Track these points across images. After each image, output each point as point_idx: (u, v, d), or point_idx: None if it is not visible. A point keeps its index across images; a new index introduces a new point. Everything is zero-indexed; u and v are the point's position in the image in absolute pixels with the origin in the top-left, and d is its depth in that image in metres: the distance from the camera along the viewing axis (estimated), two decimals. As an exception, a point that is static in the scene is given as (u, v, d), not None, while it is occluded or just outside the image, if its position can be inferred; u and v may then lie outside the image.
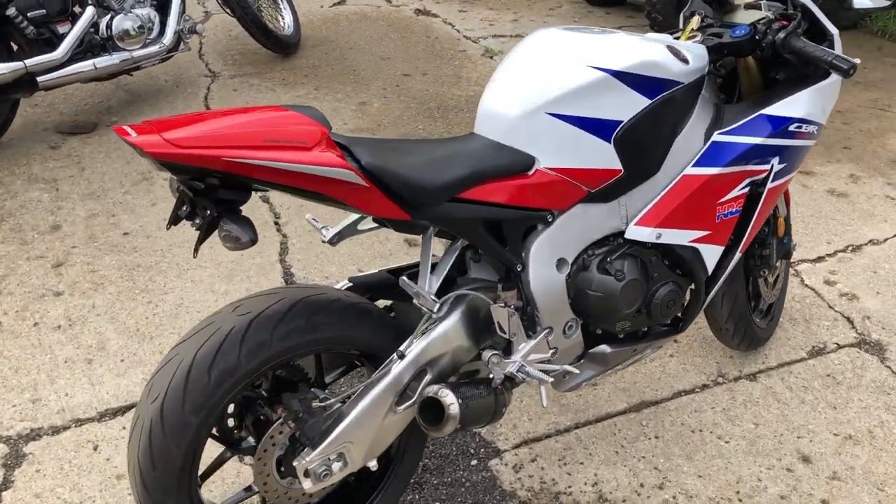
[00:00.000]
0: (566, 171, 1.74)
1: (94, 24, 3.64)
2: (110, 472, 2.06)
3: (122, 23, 3.69)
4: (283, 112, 1.47)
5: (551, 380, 1.78)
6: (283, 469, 1.66)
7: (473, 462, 2.15)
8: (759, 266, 2.31)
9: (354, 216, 1.89)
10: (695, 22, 2.09)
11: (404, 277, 1.63)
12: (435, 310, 1.63)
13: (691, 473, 2.13)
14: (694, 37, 2.04)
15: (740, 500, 2.06)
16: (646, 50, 1.76)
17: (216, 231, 1.50)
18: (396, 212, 1.55)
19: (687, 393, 2.40)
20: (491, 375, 1.74)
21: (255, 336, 1.53)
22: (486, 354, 1.73)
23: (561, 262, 1.80)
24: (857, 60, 1.89)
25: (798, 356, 2.56)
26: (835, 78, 2.04)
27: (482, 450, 2.19)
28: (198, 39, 4.74)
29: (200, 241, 1.52)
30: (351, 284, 1.85)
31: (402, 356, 1.64)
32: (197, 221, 1.48)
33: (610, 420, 2.29)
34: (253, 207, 3.18)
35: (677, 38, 2.05)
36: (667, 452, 2.19)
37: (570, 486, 2.08)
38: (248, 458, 2.00)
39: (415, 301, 1.63)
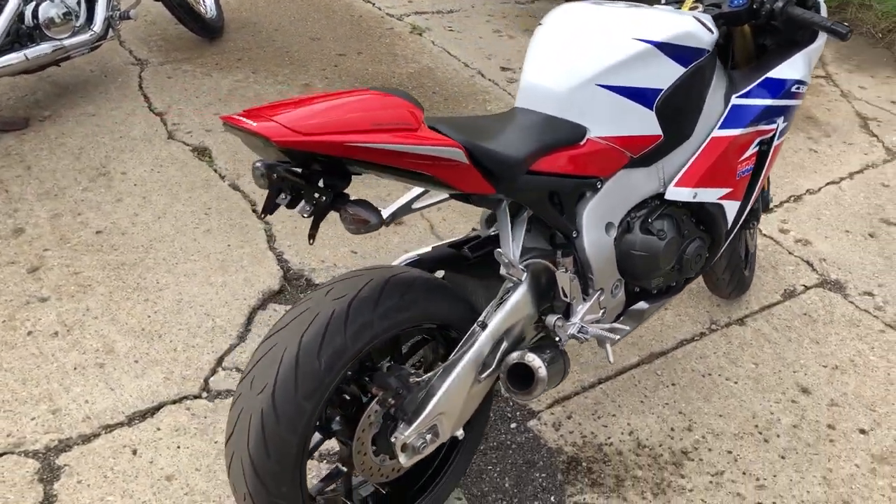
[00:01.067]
0: (614, 139, 1.84)
1: (20, 14, 3.41)
2: (157, 474, 2.01)
3: (48, 10, 3.47)
4: (381, 95, 1.48)
5: (617, 338, 1.89)
6: (376, 446, 1.69)
7: (513, 425, 2.23)
8: (750, 218, 2.50)
9: (409, 196, 1.92)
10: (695, -9, 2.21)
11: (499, 249, 1.68)
12: (523, 278, 1.70)
13: (712, 414, 2.30)
14: (695, 7, 2.17)
15: (760, 433, 2.25)
16: (681, 21, 1.87)
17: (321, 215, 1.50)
18: (485, 186, 1.60)
19: (688, 342, 2.58)
20: (557, 338, 1.83)
21: (358, 317, 1.54)
22: (551, 319, 1.81)
23: (609, 226, 1.90)
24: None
25: (775, 299, 2.80)
26: (820, 42, 2.22)
27: (518, 413, 2.27)
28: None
29: (316, 226, 1.52)
30: (411, 260, 1.88)
31: (484, 326, 1.70)
32: (307, 208, 1.48)
33: (628, 373, 2.43)
34: (225, 196, 3.10)
35: (679, 9, 2.17)
36: (686, 397, 2.35)
37: (609, 437, 2.20)
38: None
39: (503, 271, 1.68)
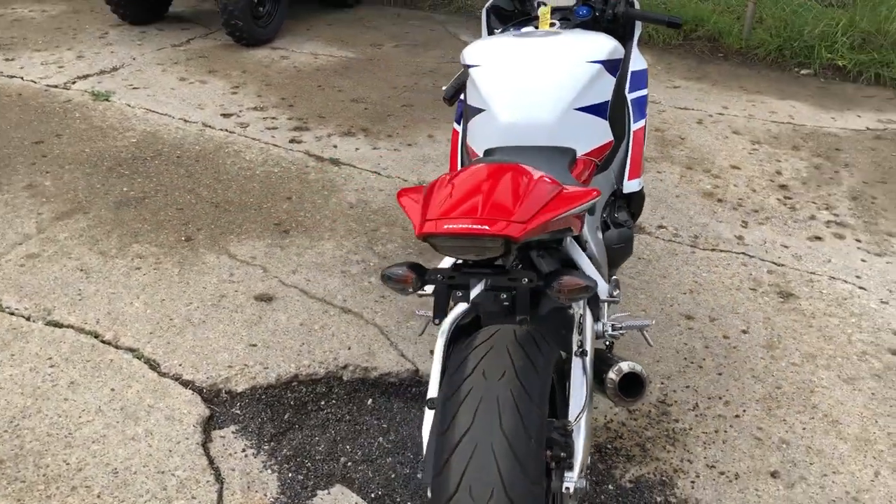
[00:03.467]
0: (591, 152, 2.01)
1: None
2: None
3: None
4: (509, 166, 1.47)
5: (653, 321, 2.08)
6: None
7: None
8: None
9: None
10: (548, 10, 2.44)
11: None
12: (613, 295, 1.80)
13: (652, 363, 2.64)
14: (553, 24, 2.41)
15: (696, 364, 2.65)
16: (607, 39, 2.09)
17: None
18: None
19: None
20: (607, 342, 1.97)
21: (531, 384, 1.52)
22: (598, 326, 1.95)
23: (597, 229, 2.09)
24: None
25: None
26: (637, 33, 2.62)
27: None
28: None
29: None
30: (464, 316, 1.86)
31: (584, 353, 1.78)
32: (501, 297, 1.42)
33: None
34: (76, 349, 2.56)
35: (536, 27, 2.39)
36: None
37: (605, 416, 2.41)
38: None
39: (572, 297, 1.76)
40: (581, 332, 1.79)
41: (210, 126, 4.13)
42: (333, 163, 3.84)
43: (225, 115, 4.27)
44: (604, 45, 2.05)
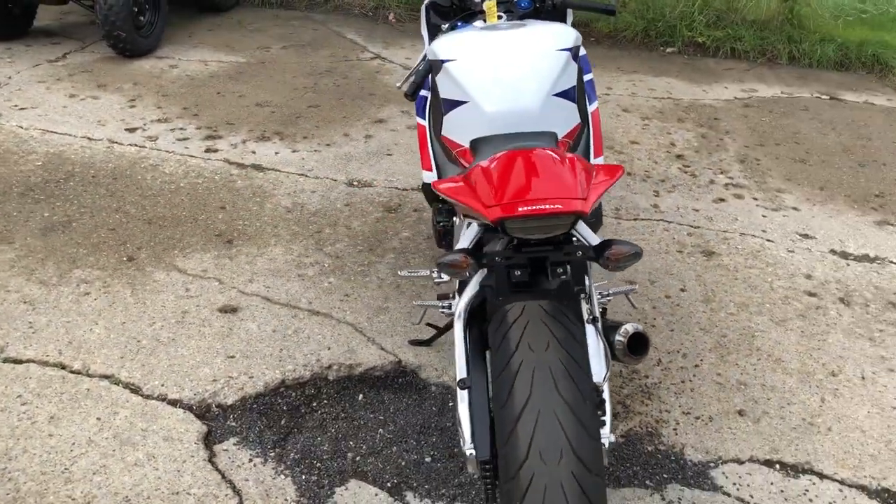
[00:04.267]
0: (567, 134, 2.17)
1: None
2: None
3: None
4: (549, 150, 1.59)
5: (636, 287, 2.25)
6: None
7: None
8: None
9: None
10: (493, 4, 2.56)
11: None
12: None
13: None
14: (500, 17, 2.53)
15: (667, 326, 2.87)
16: (568, 28, 2.24)
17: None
18: None
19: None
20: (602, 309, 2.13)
21: (575, 350, 1.64)
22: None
23: None
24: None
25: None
26: (570, 21, 2.79)
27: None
28: None
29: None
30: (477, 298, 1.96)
31: (595, 320, 1.92)
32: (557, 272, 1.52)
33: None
34: (46, 382, 2.44)
35: (485, 21, 2.51)
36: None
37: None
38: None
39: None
40: (589, 300, 1.94)
41: (117, 142, 3.98)
42: (257, 169, 3.81)
43: (130, 130, 4.11)
44: (569, 33, 2.20)
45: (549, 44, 2.14)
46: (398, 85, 2.74)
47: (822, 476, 2.26)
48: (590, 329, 1.89)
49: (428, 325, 2.66)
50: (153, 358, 2.54)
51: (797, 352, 2.76)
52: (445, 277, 2.11)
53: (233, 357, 2.57)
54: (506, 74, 2.08)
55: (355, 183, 3.74)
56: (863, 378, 2.64)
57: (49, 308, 2.74)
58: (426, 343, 2.66)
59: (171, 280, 2.93)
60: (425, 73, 2.33)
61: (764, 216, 3.67)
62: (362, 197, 3.61)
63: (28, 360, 2.51)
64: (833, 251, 3.41)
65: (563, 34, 2.19)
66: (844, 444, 2.37)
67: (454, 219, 2.37)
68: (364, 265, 3.10)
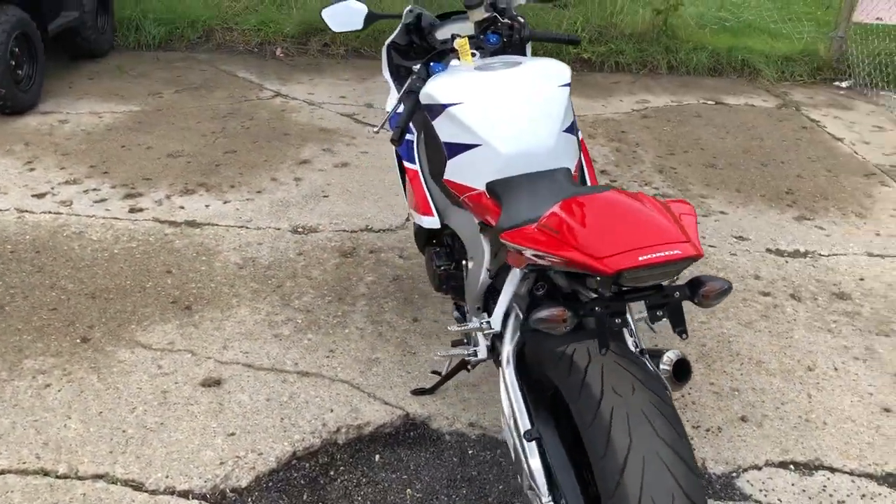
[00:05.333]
0: (575, 167, 2.19)
1: None
2: None
3: None
4: (629, 193, 1.59)
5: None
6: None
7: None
8: None
9: None
10: (466, 42, 2.53)
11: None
12: None
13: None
14: (474, 54, 2.52)
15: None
16: (560, 63, 2.25)
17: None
18: None
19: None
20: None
21: (656, 387, 1.65)
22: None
23: None
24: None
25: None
26: (528, 50, 2.81)
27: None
28: None
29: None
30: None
31: (643, 352, 1.95)
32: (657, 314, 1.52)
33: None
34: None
35: (458, 60, 2.49)
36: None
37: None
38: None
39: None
40: (633, 334, 1.96)
41: (28, 210, 3.64)
42: (192, 225, 3.60)
43: (38, 196, 3.78)
44: (564, 69, 2.22)
45: (552, 81, 2.16)
46: (374, 130, 2.67)
47: (833, 470, 2.39)
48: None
49: (433, 372, 2.60)
50: (146, 448, 2.33)
51: (772, 352, 2.90)
52: (497, 327, 2.06)
53: (233, 434, 2.40)
54: (518, 115, 2.07)
55: (300, 230, 3.61)
56: (836, 370, 2.82)
57: (8, 408, 2.46)
58: (430, 391, 2.60)
59: (137, 358, 2.71)
60: (409, 117, 2.28)
61: (699, 223, 3.84)
62: (313, 244, 3.49)
63: (2, 472, 2.24)
64: (769, 250, 3.63)
65: (560, 70, 2.21)
66: (842, 436, 2.52)
67: (464, 261, 2.33)
68: (338, 316, 2.99)
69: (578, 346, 1.75)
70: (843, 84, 6.54)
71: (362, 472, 2.33)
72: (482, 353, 2.22)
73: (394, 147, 3.00)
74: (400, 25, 2.72)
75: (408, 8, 2.68)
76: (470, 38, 2.55)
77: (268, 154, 4.41)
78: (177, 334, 2.84)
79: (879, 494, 2.30)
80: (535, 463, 1.80)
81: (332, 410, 2.52)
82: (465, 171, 2.13)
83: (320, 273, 3.26)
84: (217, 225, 3.60)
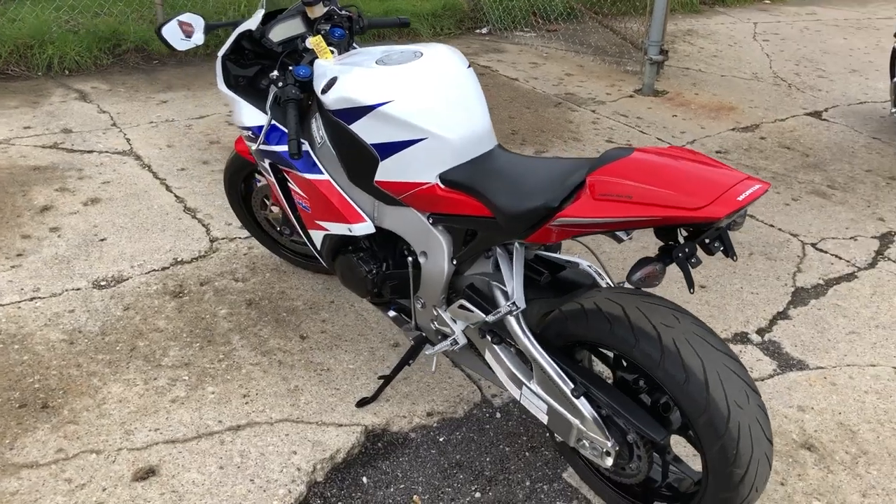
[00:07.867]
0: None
1: None
2: None
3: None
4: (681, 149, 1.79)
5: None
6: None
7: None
8: None
9: None
10: (320, 39, 2.46)
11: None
12: None
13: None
14: (333, 52, 2.48)
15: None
16: (453, 48, 2.34)
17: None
18: None
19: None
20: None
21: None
22: None
23: None
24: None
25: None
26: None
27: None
28: None
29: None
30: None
31: None
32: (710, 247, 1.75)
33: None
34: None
35: (318, 57, 2.44)
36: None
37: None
38: None
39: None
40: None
41: None
42: (-34, 315, 2.94)
43: None
44: (457, 51, 2.34)
45: (460, 65, 2.26)
46: (254, 148, 2.52)
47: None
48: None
49: (380, 377, 2.60)
50: (132, 570, 2.00)
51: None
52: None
53: (213, 515, 2.17)
54: (453, 103, 2.15)
55: (104, 283, 3.17)
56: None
57: None
58: (373, 399, 2.59)
59: (32, 482, 2.24)
60: (298, 126, 2.23)
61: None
62: (132, 294, 3.10)
63: None
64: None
65: (459, 54, 2.32)
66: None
67: (409, 258, 2.36)
68: (223, 359, 2.77)
69: (600, 296, 1.95)
70: (484, 31, 7.38)
71: (361, 500, 2.28)
72: (461, 339, 2.30)
73: (230, 164, 2.88)
74: (234, 35, 2.57)
75: (253, 17, 2.54)
76: (320, 34, 2.53)
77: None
78: (59, 440, 2.39)
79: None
80: (590, 413, 1.99)
81: (295, 453, 2.39)
82: (407, 168, 2.14)
83: (166, 322, 2.94)
84: (2, 306, 3.00)
